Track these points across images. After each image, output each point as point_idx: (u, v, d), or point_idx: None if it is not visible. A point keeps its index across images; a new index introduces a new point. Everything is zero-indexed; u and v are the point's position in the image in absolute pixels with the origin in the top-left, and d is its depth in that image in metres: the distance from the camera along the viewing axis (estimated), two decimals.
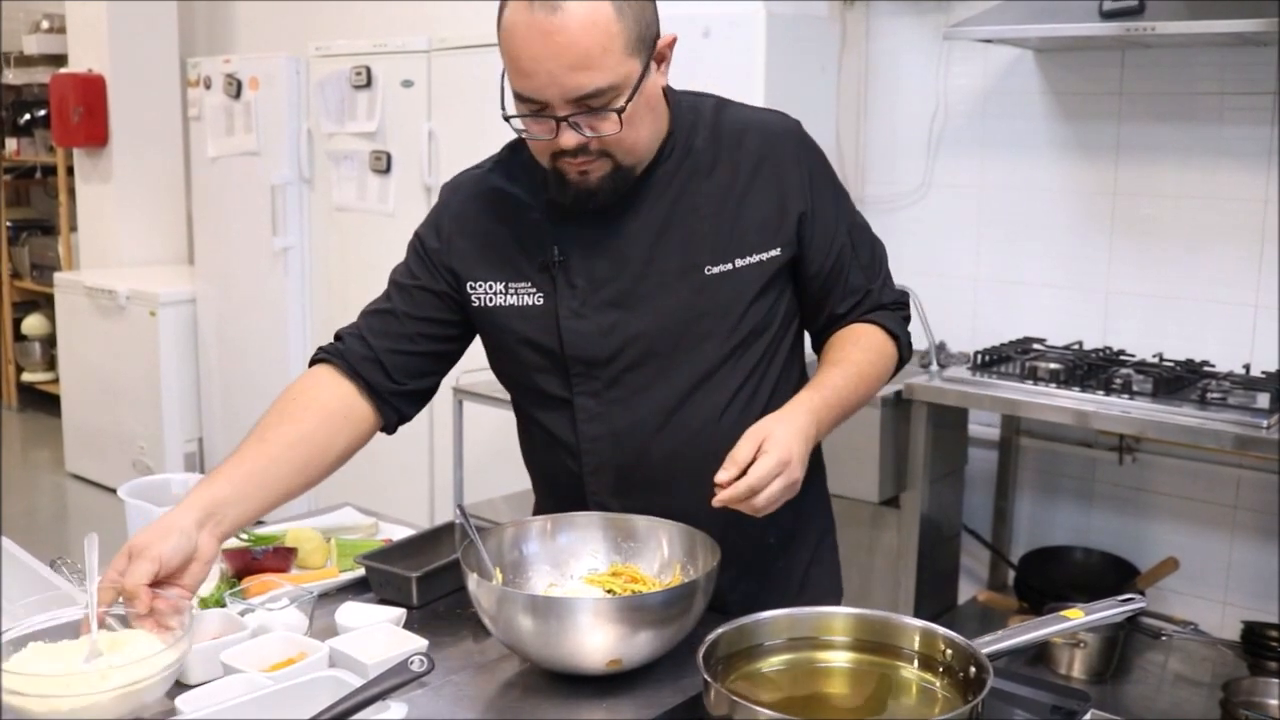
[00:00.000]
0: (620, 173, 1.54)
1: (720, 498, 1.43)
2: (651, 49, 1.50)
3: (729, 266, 1.59)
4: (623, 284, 1.60)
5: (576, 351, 1.61)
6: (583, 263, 1.60)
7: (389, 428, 1.70)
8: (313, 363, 1.71)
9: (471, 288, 1.66)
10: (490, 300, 1.65)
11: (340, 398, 1.65)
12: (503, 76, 1.50)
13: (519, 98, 1.48)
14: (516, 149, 1.68)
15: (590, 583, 1.56)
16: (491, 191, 1.68)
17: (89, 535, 1.46)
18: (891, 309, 1.72)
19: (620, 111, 1.46)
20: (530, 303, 1.63)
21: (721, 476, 1.44)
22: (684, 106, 1.64)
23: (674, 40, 1.55)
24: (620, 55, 1.44)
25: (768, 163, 1.62)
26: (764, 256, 1.61)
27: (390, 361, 1.67)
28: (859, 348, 1.66)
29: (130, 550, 1.40)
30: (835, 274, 1.67)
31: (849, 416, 1.64)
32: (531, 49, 1.42)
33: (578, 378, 1.63)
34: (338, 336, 1.71)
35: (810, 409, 1.53)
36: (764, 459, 1.44)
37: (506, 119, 1.51)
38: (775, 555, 1.72)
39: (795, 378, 1.72)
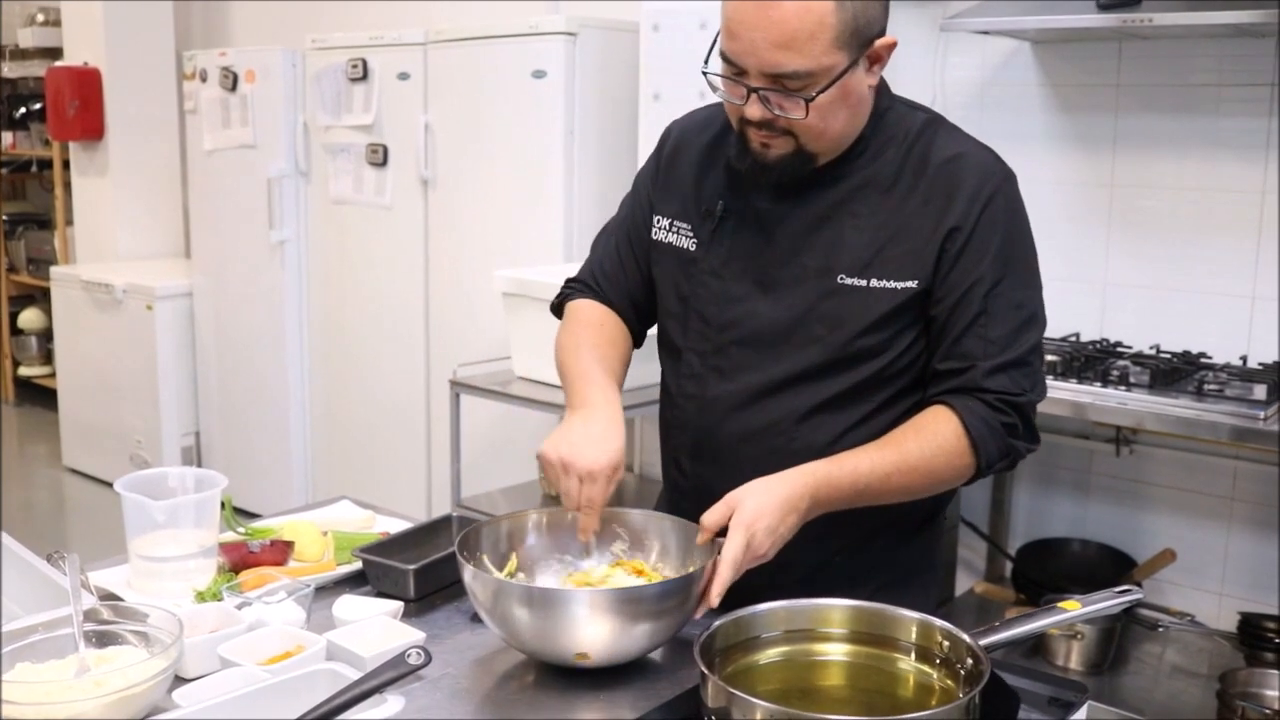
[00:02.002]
0: (801, 156, 1.54)
1: (714, 596, 1.41)
2: (865, 47, 1.49)
3: (862, 283, 1.56)
4: (763, 262, 1.62)
5: (700, 306, 1.66)
6: (739, 226, 1.64)
7: (635, 341, 1.83)
8: (562, 300, 1.86)
9: (654, 218, 1.74)
10: (659, 234, 1.73)
11: (604, 308, 1.80)
12: (718, 32, 1.52)
13: (723, 57, 1.51)
14: None
15: (586, 578, 1.56)
16: (702, 133, 1.73)
17: (70, 556, 1.47)
18: (994, 405, 1.55)
19: (810, 100, 1.46)
20: (685, 246, 1.69)
21: (699, 540, 1.48)
22: (894, 114, 1.62)
23: (894, 44, 1.52)
24: (827, 45, 1.44)
25: (943, 193, 1.56)
26: (899, 285, 1.55)
27: (612, 289, 1.80)
28: (918, 438, 1.54)
29: (585, 475, 1.52)
30: (951, 324, 1.56)
31: (868, 503, 1.54)
32: (744, 14, 1.44)
33: (693, 334, 1.67)
34: (579, 281, 1.86)
35: (809, 484, 1.48)
36: (730, 539, 1.42)
37: (703, 73, 1.54)
38: (834, 576, 1.63)
39: (898, 420, 1.61)
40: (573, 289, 1.84)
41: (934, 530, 1.77)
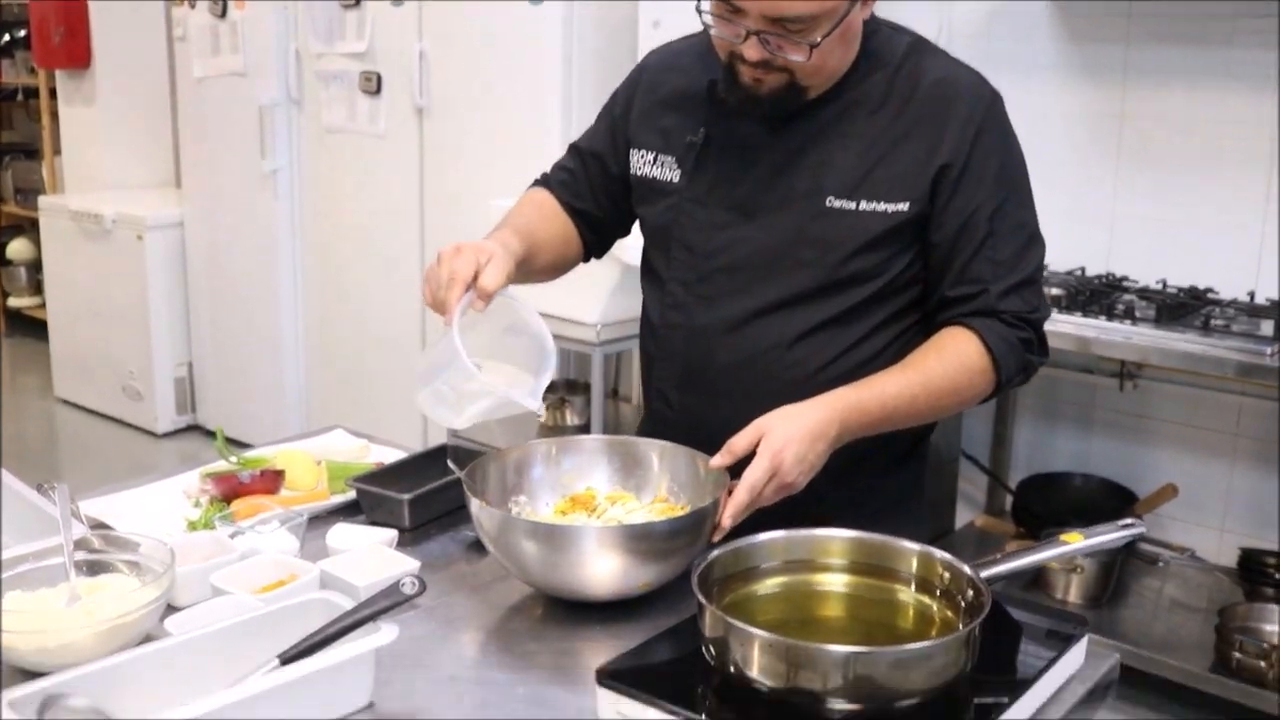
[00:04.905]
0: (794, 90, 1.53)
1: (727, 518, 1.40)
2: None
3: (851, 205, 1.54)
4: (748, 187, 1.60)
5: (683, 235, 1.64)
6: (722, 154, 1.61)
7: (585, 255, 1.84)
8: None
9: (633, 153, 1.72)
10: (640, 169, 1.71)
11: (553, 200, 1.80)
12: None
13: None
14: None
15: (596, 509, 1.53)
16: (679, 66, 1.71)
17: (59, 486, 1.45)
18: (1010, 323, 1.57)
19: (815, 45, 1.45)
20: (669, 178, 1.66)
21: (715, 462, 1.45)
22: (879, 37, 1.60)
23: None
24: None
25: (935, 116, 1.55)
26: (890, 208, 1.54)
27: (564, 192, 1.80)
28: (940, 358, 1.54)
29: (450, 253, 1.49)
30: (957, 250, 1.55)
31: (898, 427, 1.55)
32: None
33: (676, 262, 1.65)
34: (545, 175, 1.86)
35: (837, 409, 1.46)
36: (755, 464, 1.41)
37: (697, 9, 1.51)
38: (822, 507, 1.56)
39: (894, 341, 1.62)
40: (540, 184, 1.85)
41: (920, 458, 1.78)
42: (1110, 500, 3.29)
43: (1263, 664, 2.76)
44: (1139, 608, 3.10)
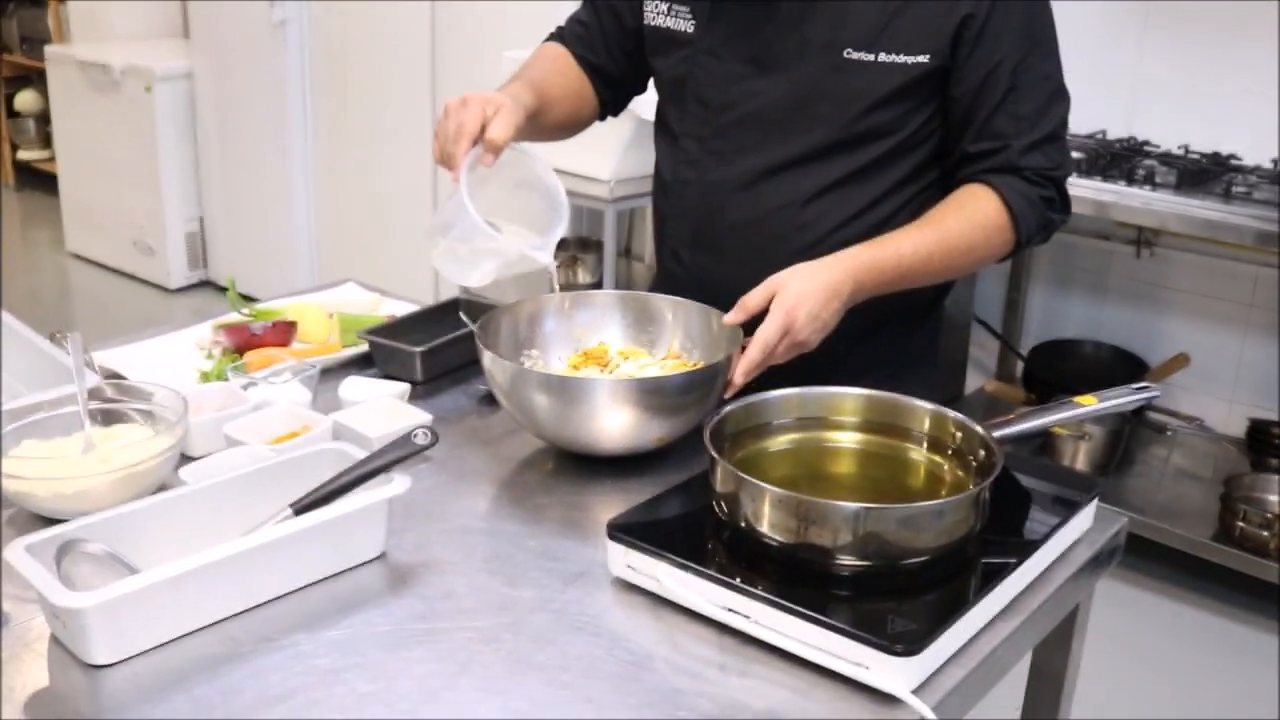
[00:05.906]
0: None
1: (739, 375, 1.39)
2: None
3: (870, 57, 1.50)
4: (764, 38, 1.55)
5: (697, 88, 1.61)
6: (737, 3, 1.56)
7: (601, 113, 1.82)
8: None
9: (646, 3, 1.67)
10: (654, 19, 1.66)
11: (567, 54, 1.77)
12: None
13: None
14: None
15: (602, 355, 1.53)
16: None
17: (72, 334, 1.44)
18: (1031, 180, 1.53)
19: None
20: (682, 28, 1.62)
21: (728, 319, 1.44)
22: None
23: None
24: None
25: None
26: (910, 60, 1.49)
27: (587, 60, 1.77)
28: (958, 216, 1.51)
29: (458, 104, 1.47)
30: (979, 104, 1.51)
31: (913, 286, 1.53)
32: None
33: (690, 117, 1.63)
34: (560, 28, 1.83)
35: (851, 268, 1.44)
36: (768, 321, 1.40)
37: None
38: (838, 366, 1.53)
39: (910, 202, 1.59)
40: (554, 39, 1.82)
41: (936, 319, 1.77)
42: (1122, 368, 3.29)
43: (1265, 534, 2.79)
44: (1145, 476, 3.12)
